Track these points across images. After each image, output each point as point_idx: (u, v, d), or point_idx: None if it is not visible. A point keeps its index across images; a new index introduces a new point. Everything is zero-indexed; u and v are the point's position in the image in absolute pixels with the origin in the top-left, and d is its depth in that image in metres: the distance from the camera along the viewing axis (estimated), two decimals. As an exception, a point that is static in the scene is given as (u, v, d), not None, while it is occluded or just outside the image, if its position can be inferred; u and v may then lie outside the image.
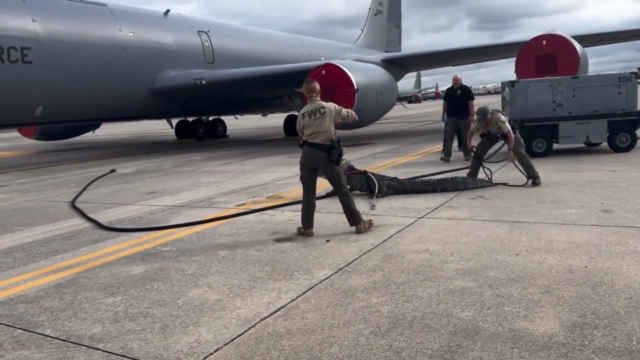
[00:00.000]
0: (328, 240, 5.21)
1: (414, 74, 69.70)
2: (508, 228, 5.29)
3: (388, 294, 3.68)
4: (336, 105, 5.61)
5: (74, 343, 3.19)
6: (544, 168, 8.41)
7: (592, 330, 2.96)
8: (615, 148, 10.60)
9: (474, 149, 8.12)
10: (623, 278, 3.73)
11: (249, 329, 3.25)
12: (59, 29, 14.47)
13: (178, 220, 6.60)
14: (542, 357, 2.70)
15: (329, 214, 6.29)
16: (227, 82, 18.41)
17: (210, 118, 24.52)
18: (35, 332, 3.39)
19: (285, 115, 23.67)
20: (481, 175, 7.93)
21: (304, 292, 3.81)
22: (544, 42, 13.80)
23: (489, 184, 7.70)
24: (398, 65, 24.05)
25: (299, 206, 5.78)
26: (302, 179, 5.67)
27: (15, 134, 27.01)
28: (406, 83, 73.29)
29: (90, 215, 7.01)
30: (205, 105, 19.67)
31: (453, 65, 29.61)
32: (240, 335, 3.17)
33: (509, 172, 8.01)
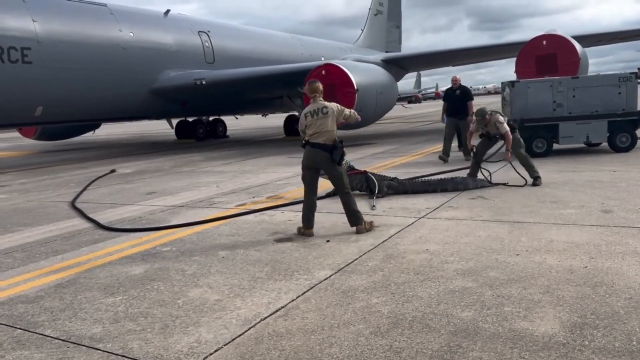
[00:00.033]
0: (328, 241, 5.21)
1: (414, 74, 69.76)
2: (508, 228, 5.29)
3: (388, 294, 3.68)
4: (339, 106, 5.59)
5: (74, 343, 3.19)
6: (544, 168, 8.40)
7: (592, 331, 2.96)
8: (616, 148, 10.60)
9: (474, 148, 8.13)
10: (623, 278, 3.73)
11: (249, 329, 3.25)
12: (59, 29, 14.47)
13: (178, 220, 6.60)
14: (542, 357, 2.70)
15: (329, 214, 6.29)
16: (227, 82, 18.41)
17: (211, 118, 24.52)
18: (36, 332, 3.39)
19: (285, 115, 23.67)
20: (481, 175, 7.93)
21: (304, 292, 3.81)
22: (544, 42, 13.79)
23: (489, 184, 7.70)
24: (398, 66, 24.06)
25: (299, 206, 5.78)
26: (303, 179, 5.66)
27: (15, 134, 27.03)
28: (406, 83, 73.35)
29: (91, 216, 7.02)
30: (205, 105, 19.68)
31: (453, 66, 29.61)
32: (240, 335, 3.17)
33: (509, 172, 8.02)
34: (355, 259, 4.54)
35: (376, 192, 7.25)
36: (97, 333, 3.31)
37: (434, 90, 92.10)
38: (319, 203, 5.86)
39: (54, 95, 14.42)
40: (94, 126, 24.48)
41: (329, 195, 7.23)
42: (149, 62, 16.99)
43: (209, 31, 19.80)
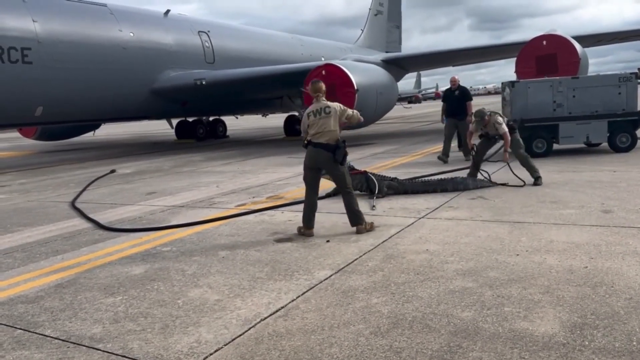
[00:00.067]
0: (328, 241, 5.21)
1: (414, 74, 69.79)
2: (508, 228, 5.29)
3: (388, 294, 3.68)
4: (341, 106, 5.58)
5: (74, 343, 3.19)
6: (544, 168, 8.40)
7: (592, 331, 2.96)
8: (616, 148, 10.61)
9: (475, 148, 8.14)
10: (623, 278, 3.73)
11: (249, 329, 3.25)
12: (59, 29, 14.48)
13: (178, 220, 6.60)
14: (542, 357, 2.70)
15: (329, 214, 6.29)
16: (228, 83, 18.42)
17: (211, 118, 24.52)
18: (36, 333, 3.39)
19: (285, 115, 23.67)
20: (480, 176, 7.94)
21: (304, 293, 3.81)
22: (544, 42, 13.79)
23: (489, 184, 7.70)
24: (398, 66, 24.07)
25: (299, 206, 5.77)
26: (305, 179, 5.65)
27: (15, 134, 27.03)
28: (406, 83, 73.38)
29: (91, 216, 7.02)
30: (205, 105, 19.69)
31: (453, 66, 29.63)
32: (240, 335, 3.17)
33: (509, 172, 8.02)
34: (355, 259, 4.54)
35: (376, 192, 7.25)
36: (97, 333, 3.31)
37: (434, 90, 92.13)
38: (319, 203, 5.86)
39: (54, 95, 14.43)
40: (94, 126, 24.49)
41: (329, 195, 7.24)
42: (149, 62, 17.00)
43: (209, 31, 19.80)
